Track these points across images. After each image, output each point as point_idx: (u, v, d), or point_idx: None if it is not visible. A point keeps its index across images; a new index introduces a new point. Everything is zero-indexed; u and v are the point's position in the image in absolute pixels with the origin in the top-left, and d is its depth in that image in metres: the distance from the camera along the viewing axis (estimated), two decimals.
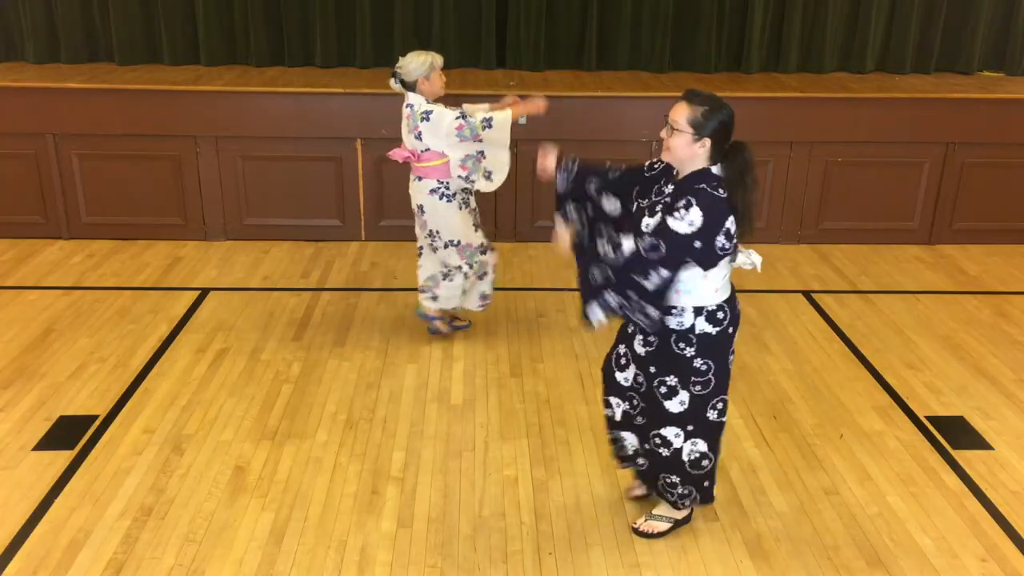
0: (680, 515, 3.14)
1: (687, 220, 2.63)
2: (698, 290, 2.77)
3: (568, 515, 3.23)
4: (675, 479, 3.00)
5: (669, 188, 2.77)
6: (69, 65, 6.26)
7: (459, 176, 4.17)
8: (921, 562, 3.04)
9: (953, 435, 3.81)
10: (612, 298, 2.70)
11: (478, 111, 4.19)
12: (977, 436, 3.81)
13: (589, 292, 2.73)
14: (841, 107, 5.81)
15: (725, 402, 2.94)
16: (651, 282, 2.67)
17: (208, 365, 4.25)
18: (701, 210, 2.63)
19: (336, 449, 3.61)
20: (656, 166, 2.90)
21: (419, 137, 4.14)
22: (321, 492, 3.34)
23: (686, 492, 3.02)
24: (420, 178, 4.22)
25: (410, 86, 4.14)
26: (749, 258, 2.87)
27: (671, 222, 2.64)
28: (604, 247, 2.87)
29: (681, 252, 2.65)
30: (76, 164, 5.76)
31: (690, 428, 2.92)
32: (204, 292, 5.09)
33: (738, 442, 3.71)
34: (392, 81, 4.20)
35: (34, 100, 5.61)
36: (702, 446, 2.95)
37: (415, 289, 5.23)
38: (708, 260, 2.70)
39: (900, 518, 3.26)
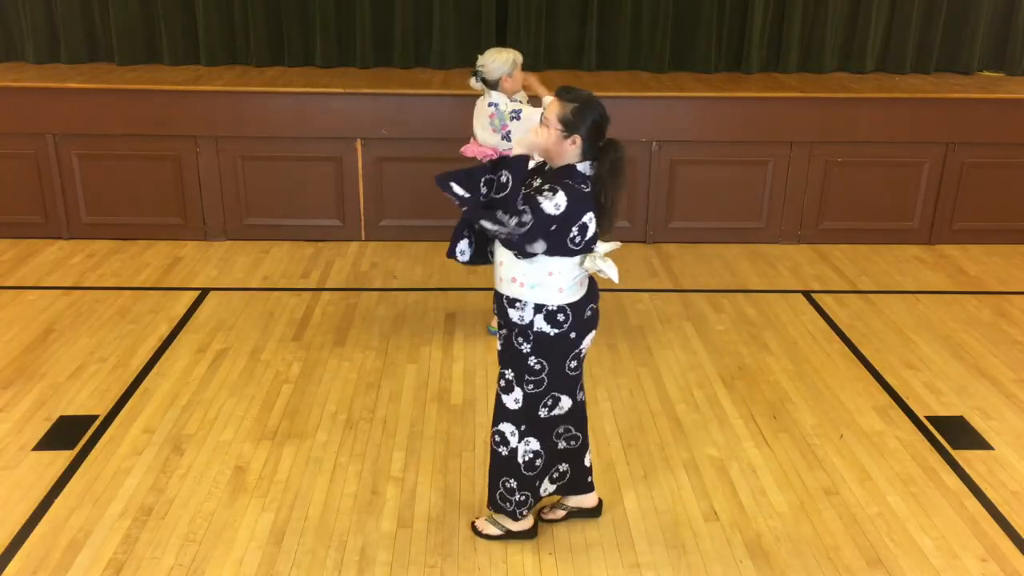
0: (516, 526, 3.07)
1: (554, 202, 2.63)
2: (542, 287, 2.76)
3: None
4: (513, 483, 2.97)
5: (538, 182, 2.79)
6: (69, 65, 6.25)
7: None
8: (921, 562, 3.04)
9: (953, 435, 3.81)
10: (457, 189, 2.72)
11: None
12: (977, 436, 3.81)
13: (454, 179, 2.75)
14: (841, 107, 5.81)
15: (556, 399, 2.91)
16: (508, 227, 2.63)
17: (208, 365, 4.25)
18: (567, 197, 2.64)
19: (336, 449, 3.61)
20: (536, 164, 2.92)
21: (507, 137, 4.11)
22: (321, 492, 3.34)
23: (523, 499, 2.99)
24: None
25: (492, 84, 4.14)
26: (596, 264, 2.78)
27: (540, 200, 2.64)
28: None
29: (542, 230, 2.65)
30: (76, 164, 5.76)
31: (523, 427, 2.92)
32: (204, 292, 5.09)
33: (738, 442, 3.71)
34: (473, 80, 4.19)
35: (34, 100, 5.61)
36: (534, 444, 2.94)
37: (415, 289, 5.24)
38: (555, 247, 2.70)
39: (900, 518, 3.26)
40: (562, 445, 3.04)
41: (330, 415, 3.85)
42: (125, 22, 6.21)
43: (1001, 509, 3.33)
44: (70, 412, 3.84)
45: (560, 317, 2.78)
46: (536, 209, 2.63)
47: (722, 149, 5.84)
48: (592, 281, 2.91)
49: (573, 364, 2.88)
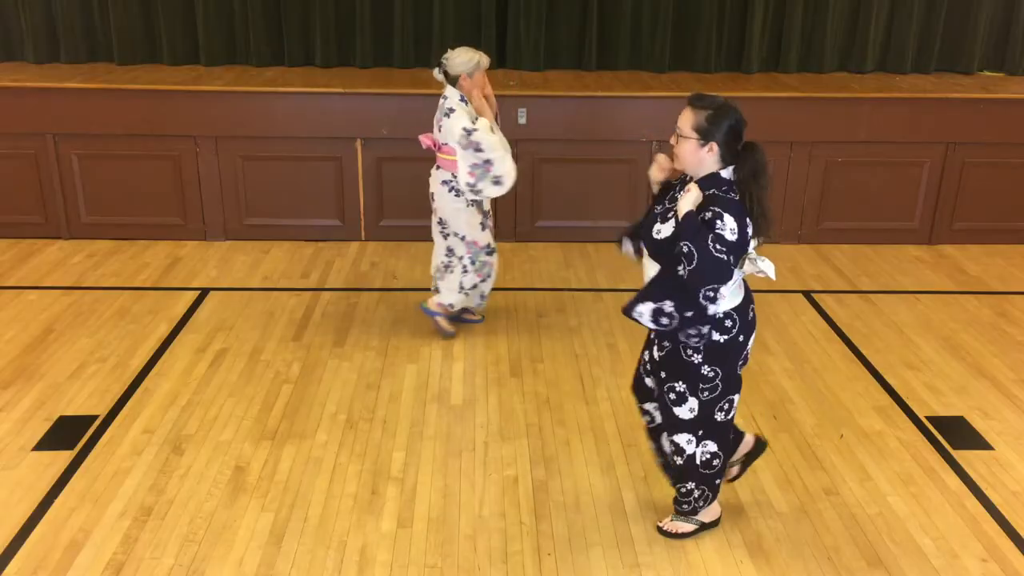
0: (707, 517, 3.14)
1: (729, 228, 2.60)
2: None
3: (568, 515, 3.23)
4: (690, 486, 3.03)
5: (699, 208, 2.73)
6: (69, 65, 6.25)
7: (467, 183, 4.21)
8: (921, 562, 3.04)
9: (953, 435, 3.81)
10: (668, 306, 2.71)
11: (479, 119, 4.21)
12: (977, 436, 3.81)
13: (656, 292, 2.74)
14: (841, 107, 5.81)
15: (731, 402, 2.95)
16: (717, 305, 2.69)
17: (208, 365, 4.25)
18: (734, 217, 2.61)
19: (336, 449, 3.61)
20: (680, 177, 2.89)
21: (439, 129, 4.25)
22: (321, 492, 3.33)
23: (700, 494, 3.05)
24: (438, 167, 4.31)
25: (452, 79, 4.19)
26: (756, 265, 2.80)
27: (720, 232, 2.60)
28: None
29: (737, 258, 2.64)
30: (76, 164, 5.76)
31: (700, 433, 2.94)
32: (204, 292, 5.09)
33: None
34: (436, 71, 4.25)
35: (34, 100, 5.61)
36: (712, 447, 2.97)
37: (415, 289, 5.24)
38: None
39: (900, 518, 3.26)
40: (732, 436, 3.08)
41: (330, 415, 3.85)
42: (125, 22, 6.21)
43: (1001, 509, 3.33)
44: (70, 412, 3.84)
45: (728, 323, 2.78)
46: (729, 244, 2.60)
47: None
48: (745, 282, 2.90)
49: (742, 364, 2.92)
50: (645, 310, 2.74)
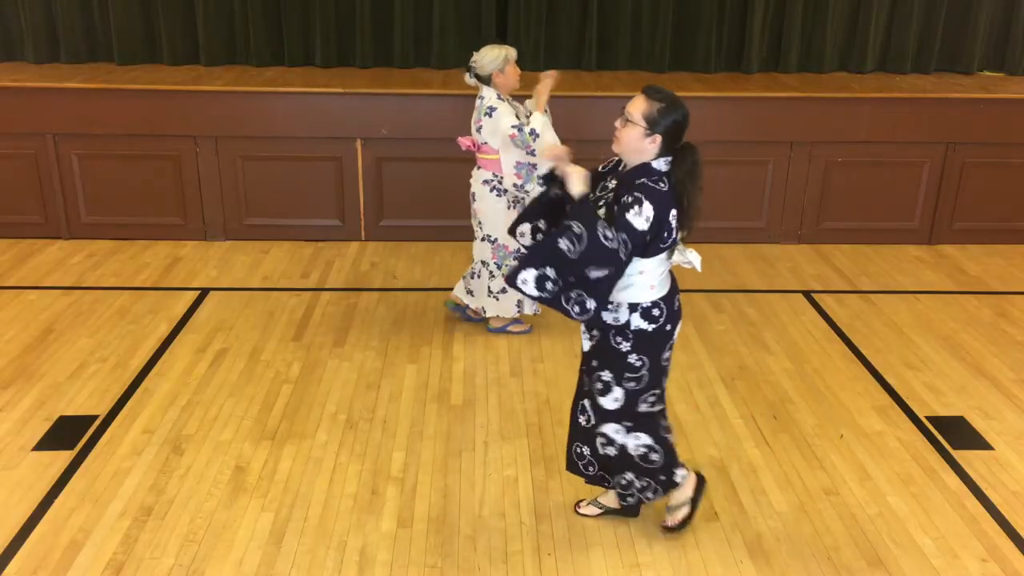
0: (684, 492, 3.11)
1: (643, 216, 2.65)
2: (634, 287, 2.79)
3: (568, 515, 3.23)
4: (629, 476, 3.03)
5: (613, 183, 2.81)
6: (69, 65, 6.25)
7: (514, 184, 4.26)
8: (921, 562, 3.04)
9: (953, 435, 3.81)
10: (551, 272, 2.67)
11: (532, 115, 4.22)
12: (977, 436, 3.81)
13: (535, 259, 2.69)
14: (841, 107, 5.81)
15: (656, 394, 2.95)
16: (597, 273, 2.66)
17: (208, 365, 4.25)
18: (652, 205, 2.66)
19: (336, 449, 3.61)
20: (607, 165, 2.93)
21: (479, 130, 4.26)
22: (321, 492, 3.33)
23: (644, 485, 3.05)
24: (479, 167, 4.35)
25: (484, 80, 4.22)
26: (685, 256, 2.89)
27: (628, 218, 2.65)
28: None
29: (636, 248, 2.67)
30: (76, 164, 5.76)
31: (628, 424, 2.95)
32: (204, 292, 5.09)
33: (738, 442, 3.71)
34: (467, 76, 4.29)
35: (34, 100, 5.61)
36: (645, 439, 2.97)
37: (415, 289, 5.24)
38: (651, 251, 2.73)
39: (900, 518, 3.26)
40: (667, 436, 3.06)
41: (330, 415, 3.85)
42: (125, 22, 6.21)
43: (1001, 509, 3.33)
44: (70, 412, 3.84)
45: (655, 312, 2.81)
46: (629, 229, 2.64)
47: (722, 149, 5.83)
48: (672, 273, 2.93)
49: (667, 355, 2.92)
50: (529, 277, 2.69)
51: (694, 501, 3.13)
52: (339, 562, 2.98)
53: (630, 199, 2.67)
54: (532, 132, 4.11)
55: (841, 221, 6.05)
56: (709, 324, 4.80)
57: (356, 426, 3.77)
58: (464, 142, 4.36)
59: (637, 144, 2.72)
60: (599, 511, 3.23)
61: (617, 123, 2.77)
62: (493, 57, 4.17)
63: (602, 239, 2.61)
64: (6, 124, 5.64)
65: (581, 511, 3.24)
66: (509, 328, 4.59)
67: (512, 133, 4.12)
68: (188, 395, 3.98)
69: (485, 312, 4.54)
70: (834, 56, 6.59)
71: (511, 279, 2.72)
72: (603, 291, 2.70)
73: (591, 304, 2.72)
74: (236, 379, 4.13)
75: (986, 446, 3.74)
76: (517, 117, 4.19)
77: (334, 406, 3.93)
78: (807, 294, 5.25)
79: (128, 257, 5.60)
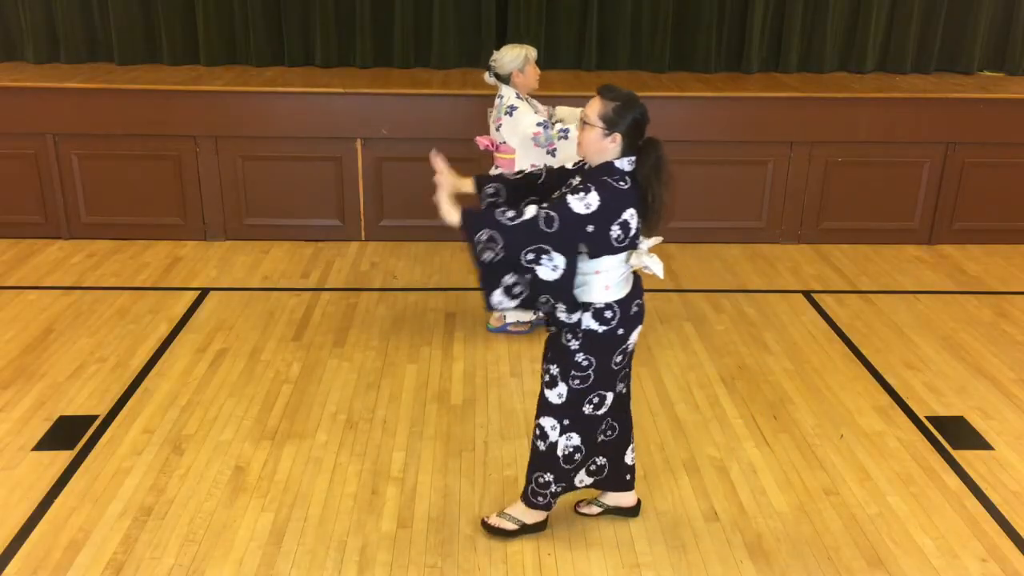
0: (531, 519, 3.11)
1: (584, 201, 2.65)
2: (588, 286, 2.78)
3: (568, 515, 3.23)
4: (548, 477, 3.01)
5: (576, 180, 2.81)
6: (69, 65, 6.25)
7: None
8: (921, 562, 3.04)
9: (953, 435, 3.81)
10: (509, 279, 2.72)
11: (567, 115, 4.22)
12: (977, 436, 3.81)
13: (487, 279, 2.74)
14: (841, 107, 5.81)
15: (602, 397, 2.94)
16: (546, 268, 2.68)
17: (208, 365, 4.25)
18: (599, 195, 2.66)
19: (336, 449, 3.61)
20: (578, 163, 2.94)
21: (499, 129, 4.26)
22: (321, 492, 3.33)
23: (558, 491, 3.04)
24: (496, 167, 4.36)
25: (504, 79, 4.23)
26: (640, 260, 2.82)
27: (569, 198, 2.66)
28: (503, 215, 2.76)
29: (573, 232, 2.66)
30: (76, 164, 5.76)
31: (566, 422, 2.94)
32: (204, 292, 5.09)
33: (738, 442, 3.71)
34: (487, 75, 4.29)
35: (34, 100, 5.61)
36: (576, 440, 2.96)
37: (415, 289, 5.24)
38: (598, 247, 2.71)
39: (900, 518, 3.26)
40: (601, 438, 3.06)
41: (330, 415, 3.85)
42: (125, 22, 6.21)
43: (1001, 509, 3.33)
44: (70, 412, 3.84)
45: (608, 314, 2.80)
46: (563, 207, 2.65)
47: (722, 149, 5.84)
48: (636, 277, 2.93)
49: (619, 359, 2.90)
50: (500, 297, 2.74)
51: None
52: (339, 562, 2.98)
53: (580, 187, 2.70)
54: (564, 132, 4.11)
55: (841, 221, 6.05)
56: (709, 324, 4.80)
57: (356, 426, 3.77)
58: (482, 141, 4.37)
59: (597, 145, 2.72)
60: (599, 510, 3.23)
61: (576, 127, 2.80)
62: (513, 56, 4.18)
63: (507, 222, 2.65)
64: (6, 124, 5.64)
65: (581, 511, 3.24)
66: (509, 328, 4.59)
67: (537, 131, 4.12)
68: (188, 395, 3.98)
69: (505, 318, 4.55)
70: (834, 56, 6.59)
71: (488, 307, 2.78)
72: (562, 288, 2.72)
73: (563, 306, 2.76)
74: (236, 379, 4.13)
75: (986, 446, 3.74)
76: (539, 114, 4.20)
77: (334, 406, 3.93)
78: (807, 294, 5.25)
79: (128, 257, 5.60)
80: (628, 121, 2.69)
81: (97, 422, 3.76)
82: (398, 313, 4.87)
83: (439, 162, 2.90)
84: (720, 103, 5.77)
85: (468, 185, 2.98)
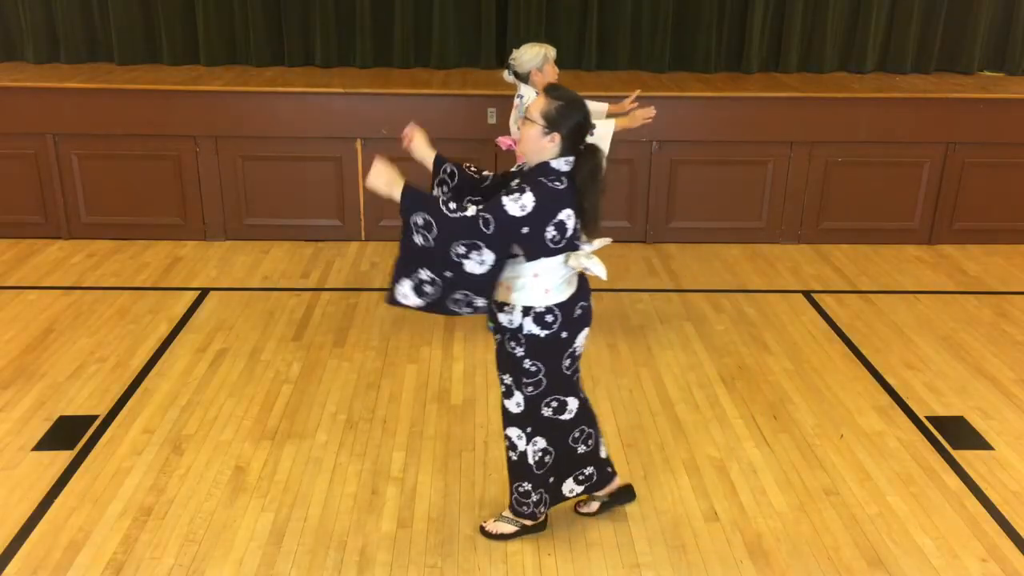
0: (530, 522, 3.11)
1: (519, 203, 2.63)
2: (527, 289, 2.76)
3: (568, 515, 3.23)
4: (527, 486, 3.00)
5: (515, 183, 2.78)
6: (69, 65, 6.26)
7: None
8: (921, 562, 3.04)
9: (953, 435, 3.81)
10: (424, 274, 2.67)
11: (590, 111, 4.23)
12: (977, 436, 3.81)
13: (404, 265, 2.68)
14: (841, 107, 5.81)
15: (560, 401, 2.93)
16: (473, 262, 2.64)
17: (208, 365, 4.25)
18: (535, 196, 2.63)
19: (336, 449, 3.61)
20: (519, 166, 2.94)
21: (518, 129, 4.22)
22: (321, 492, 3.33)
23: (539, 499, 3.03)
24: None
25: (523, 77, 4.24)
26: (580, 262, 2.78)
27: (504, 200, 2.63)
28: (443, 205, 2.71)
29: (507, 234, 2.64)
30: (76, 164, 5.76)
31: (529, 429, 2.94)
32: (204, 292, 5.09)
33: (738, 442, 3.71)
34: (506, 73, 4.31)
35: (34, 100, 5.61)
36: (542, 443, 2.96)
37: None
38: (534, 249, 2.70)
39: (900, 518, 3.26)
40: (582, 449, 3.06)
41: (330, 415, 3.85)
42: (125, 22, 6.21)
43: (1001, 509, 3.33)
44: (70, 412, 3.84)
45: (548, 318, 2.78)
46: (499, 210, 2.62)
47: (722, 149, 5.84)
48: (583, 279, 2.90)
49: (568, 363, 2.88)
50: (406, 290, 2.70)
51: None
52: (339, 562, 2.98)
53: (515, 187, 2.68)
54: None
55: (841, 221, 6.05)
56: (709, 324, 4.80)
57: (356, 426, 3.77)
58: (504, 141, 4.36)
59: (537, 143, 2.70)
60: (597, 504, 3.22)
61: (519, 123, 2.78)
62: (533, 55, 4.19)
63: (448, 213, 2.61)
64: (6, 124, 5.64)
65: (581, 510, 3.24)
66: None
67: None
68: (188, 395, 3.98)
69: None
70: (834, 56, 6.59)
71: (390, 298, 2.72)
72: (485, 283, 2.69)
73: (480, 302, 2.73)
74: (236, 379, 4.13)
75: (986, 446, 3.74)
76: None
77: (334, 406, 3.93)
78: (807, 294, 5.25)
79: (128, 257, 5.60)
80: (570, 123, 2.68)
81: (97, 422, 3.76)
82: (398, 313, 4.87)
83: (416, 131, 2.87)
84: (720, 103, 5.78)
85: (429, 160, 2.94)
